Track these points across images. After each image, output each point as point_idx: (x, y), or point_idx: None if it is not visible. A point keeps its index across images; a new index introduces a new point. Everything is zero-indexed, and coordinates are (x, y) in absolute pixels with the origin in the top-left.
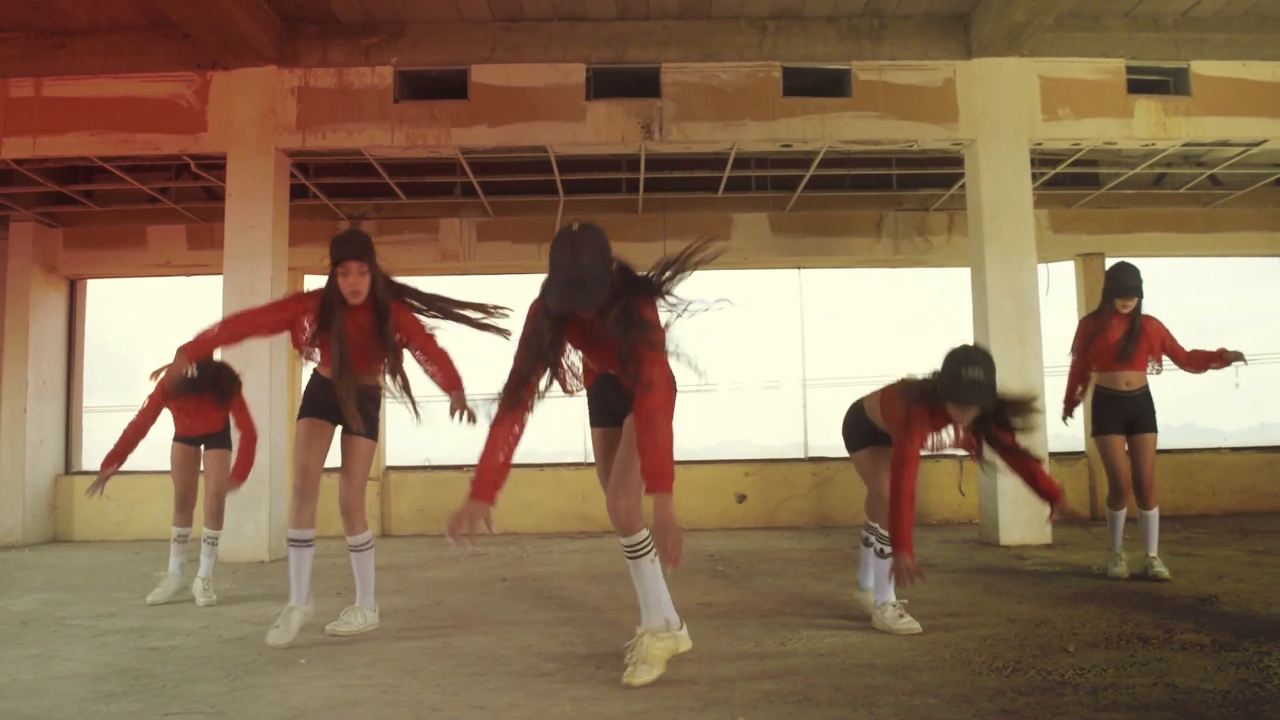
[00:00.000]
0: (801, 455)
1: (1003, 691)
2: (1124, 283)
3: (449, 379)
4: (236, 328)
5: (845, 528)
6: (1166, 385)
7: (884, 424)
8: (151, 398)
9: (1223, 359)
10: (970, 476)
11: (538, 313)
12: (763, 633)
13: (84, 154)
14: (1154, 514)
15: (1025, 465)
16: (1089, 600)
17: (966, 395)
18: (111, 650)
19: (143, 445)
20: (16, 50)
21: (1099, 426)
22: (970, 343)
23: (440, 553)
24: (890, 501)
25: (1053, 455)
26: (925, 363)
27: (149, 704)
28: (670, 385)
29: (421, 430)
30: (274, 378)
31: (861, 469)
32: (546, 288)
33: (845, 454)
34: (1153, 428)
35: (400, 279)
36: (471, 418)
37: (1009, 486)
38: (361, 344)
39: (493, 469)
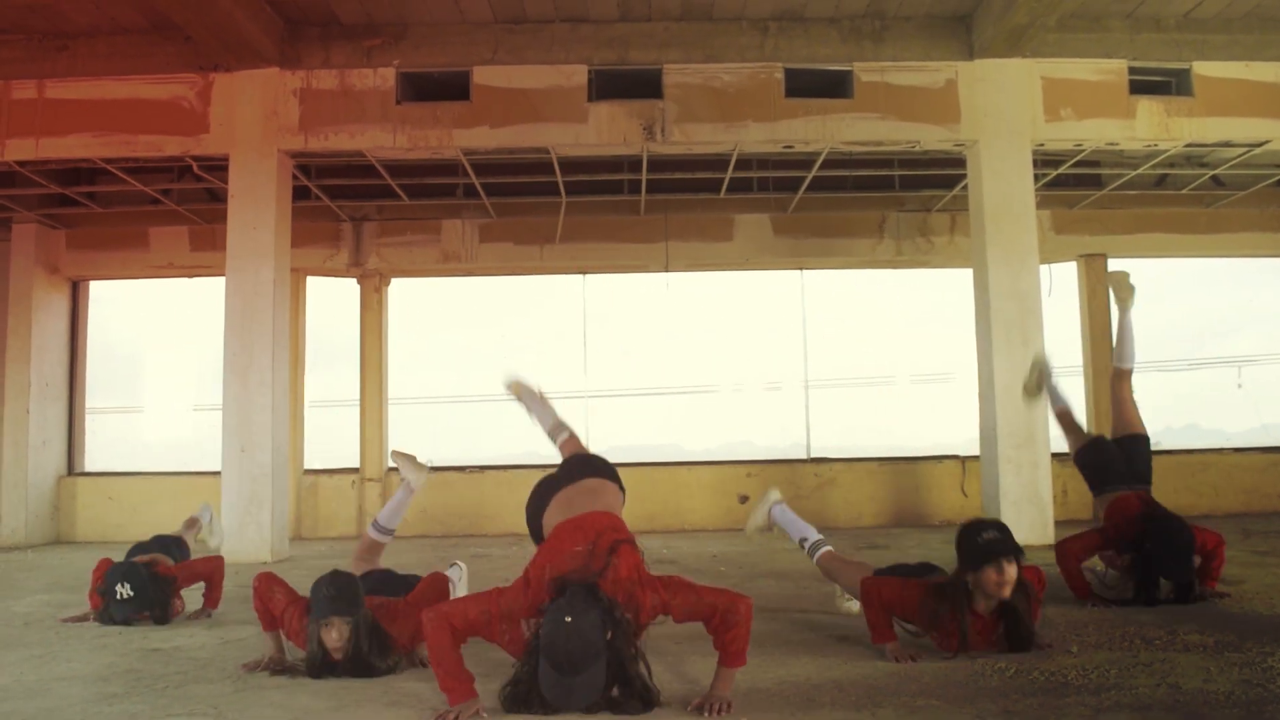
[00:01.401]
0: (804, 456)
1: (1005, 693)
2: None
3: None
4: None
5: (847, 529)
6: (1167, 386)
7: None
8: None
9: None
10: (973, 477)
11: (518, 620)
12: (766, 634)
13: (86, 156)
14: None
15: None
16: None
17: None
18: (114, 651)
19: (146, 447)
20: (19, 52)
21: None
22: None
23: (442, 554)
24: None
25: (1055, 456)
26: (925, 364)
27: (151, 705)
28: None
29: (425, 431)
30: (275, 378)
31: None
32: (545, 675)
33: (847, 455)
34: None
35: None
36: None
37: (1012, 487)
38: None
39: (458, 670)
